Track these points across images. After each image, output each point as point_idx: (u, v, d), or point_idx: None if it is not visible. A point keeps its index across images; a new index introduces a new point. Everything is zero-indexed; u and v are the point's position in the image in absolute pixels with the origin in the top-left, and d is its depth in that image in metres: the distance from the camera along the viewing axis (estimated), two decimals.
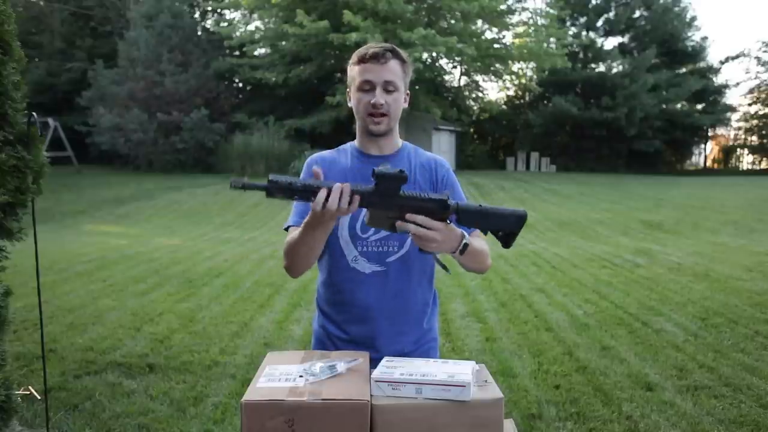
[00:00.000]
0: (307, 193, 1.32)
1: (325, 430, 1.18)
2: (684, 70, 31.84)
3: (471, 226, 1.52)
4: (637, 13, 31.61)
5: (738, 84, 44.32)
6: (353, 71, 1.64)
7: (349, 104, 1.68)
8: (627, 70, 29.08)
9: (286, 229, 1.66)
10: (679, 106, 30.85)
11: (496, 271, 7.44)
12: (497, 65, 25.83)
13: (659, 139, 29.73)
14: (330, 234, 1.63)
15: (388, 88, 1.60)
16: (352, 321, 1.68)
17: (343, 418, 1.18)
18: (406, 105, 1.68)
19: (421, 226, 1.39)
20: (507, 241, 1.52)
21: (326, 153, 1.76)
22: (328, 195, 1.32)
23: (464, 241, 1.47)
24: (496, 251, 8.92)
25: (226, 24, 26.46)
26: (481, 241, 1.63)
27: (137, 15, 24.73)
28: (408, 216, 1.39)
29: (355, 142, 1.74)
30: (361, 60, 1.61)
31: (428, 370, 1.28)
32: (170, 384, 3.67)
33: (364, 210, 1.44)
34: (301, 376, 1.28)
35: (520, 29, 25.78)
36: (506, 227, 1.50)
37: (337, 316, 1.71)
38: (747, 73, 50.93)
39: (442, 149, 24.79)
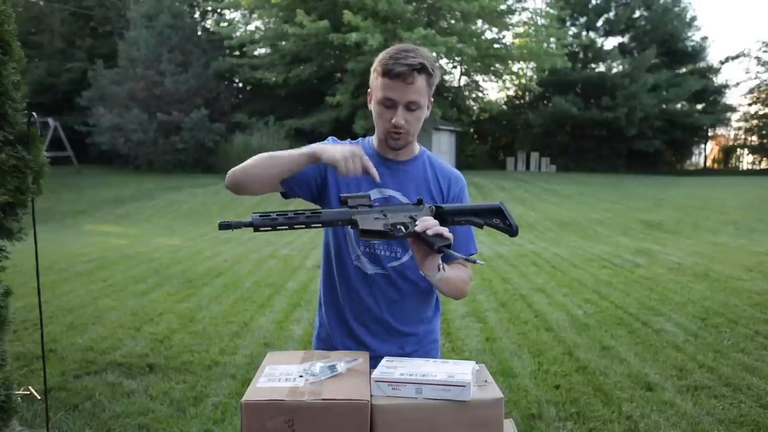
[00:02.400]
0: (290, 223, 1.37)
1: (325, 430, 1.18)
2: (684, 70, 31.84)
3: (450, 225, 1.49)
4: (637, 13, 31.61)
5: (738, 84, 44.24)
6: (377, 81, 1.55)
7: (369, 107, 1.62)
8: (627, 70, 29.08)
9: None
10: (679, 106, 30.85)
11: (496, 271, 7.44)
12: (497, 65, 25.86)
13: (659, 139, 29.73)
14: (339, 229, 1.66)
15: (411, 107, 1.54)
16: (353, 320, 1.68)
17: (343, 418, 1.18)
18: (428, 113, 1.62)
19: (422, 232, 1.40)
20: (504, 222, 1.47)
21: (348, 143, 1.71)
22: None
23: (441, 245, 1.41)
24: (496, 251, 8.83)
25: (226, 24, 26.46)
26: (460, 270, 1.63)
27: (137, 15, 24.73)
28: (419, 222, 1.40)
29: (374, 141, 1.70)
30: (386, 74, 1.51)
31: (428, 370, 1.28)
32: (170, 384, 3.67)
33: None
34: (301, 376, 1.28)
35: (520, 29, 25.81)
36: (487, 216, 1.49)
37: (339, 313, 1.71)
38: (747, 73, 50.91)
39: (442, 149, 24.77)
